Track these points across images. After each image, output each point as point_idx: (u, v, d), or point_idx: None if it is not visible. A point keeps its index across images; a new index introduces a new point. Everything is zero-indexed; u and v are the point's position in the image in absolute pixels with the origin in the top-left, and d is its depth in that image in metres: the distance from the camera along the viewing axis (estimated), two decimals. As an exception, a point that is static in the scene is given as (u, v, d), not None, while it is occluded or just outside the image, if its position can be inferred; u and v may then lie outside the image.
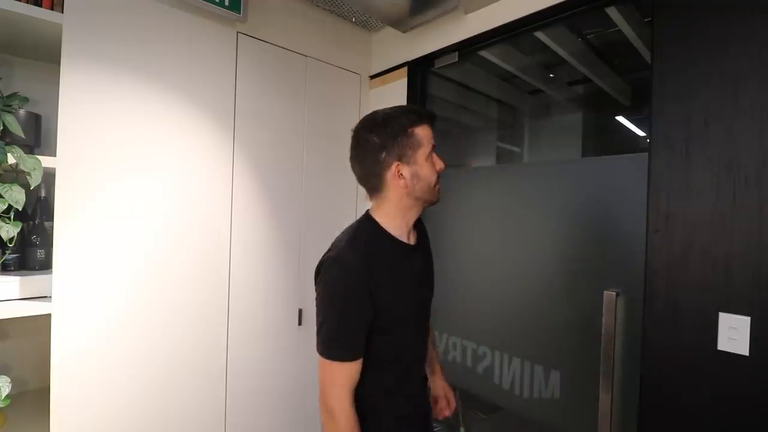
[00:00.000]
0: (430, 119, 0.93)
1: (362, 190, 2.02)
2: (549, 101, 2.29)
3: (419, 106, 0.94)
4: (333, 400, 0.86)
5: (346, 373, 0.86)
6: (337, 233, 0.97)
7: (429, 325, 1.12)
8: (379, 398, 0.94)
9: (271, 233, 1.75)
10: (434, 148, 0.93)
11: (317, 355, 0.89)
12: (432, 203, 0.97)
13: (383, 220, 0.94)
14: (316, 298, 0.89)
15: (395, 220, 0.94)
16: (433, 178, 0.93)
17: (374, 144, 0.89)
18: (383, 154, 0.89)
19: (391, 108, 0.93)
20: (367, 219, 0.95)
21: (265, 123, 1.72)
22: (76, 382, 1.23)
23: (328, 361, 0.86)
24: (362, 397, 0.90)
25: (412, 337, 0.99)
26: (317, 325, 0.89)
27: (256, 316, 1.69)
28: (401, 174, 0.90)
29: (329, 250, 0.92)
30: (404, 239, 0.96)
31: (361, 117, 0.93)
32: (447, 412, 1.20)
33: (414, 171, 0.90)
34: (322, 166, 1.93)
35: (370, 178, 0.93)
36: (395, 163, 0.89)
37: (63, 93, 1.20)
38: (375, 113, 0.93)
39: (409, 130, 0.89)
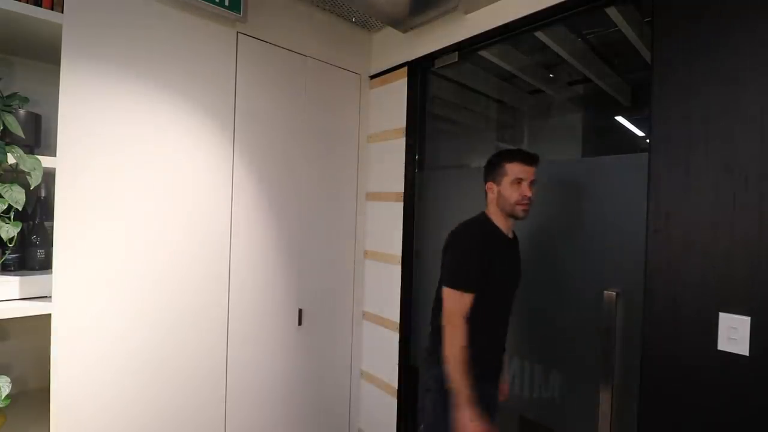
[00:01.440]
0: (523, 160, 1.29)
1: (362, 191, 2.07)
2: (549, 101, 2.29)
3: (522, 150, 1.33)
4: None
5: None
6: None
7: None
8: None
9: (271, 233, 1.75)
10: (523, 180, 1.28)
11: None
12: (515, 217, 1.32)
13: (491, 216, 1.35)
14: (448, 254, 1.32)
15: (496, 218, 1.35)
16: (513, 198, 1.29)
17: (484, 171, 1.39)
18: (486, 177, 1.38)
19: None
20: (482, 214, 1.38)
21: (266, 123, 1.72)
22: (76, 382, 1.23)
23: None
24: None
25: (500, 307, 1.35)
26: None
27: (256, 316, 1.69)
28: (492, 190, 1.34)
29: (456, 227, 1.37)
30: (504, 231, 1.34)
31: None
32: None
33: (500, 191, 1.32)
34: (322, 165, 1.93)
35: (485, 192, 1.39)
36: (489, 183, 1.36)
37: (63, 93, 1.20)
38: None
39: (502, 163, 1.32)
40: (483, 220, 1.36)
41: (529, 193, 1.28)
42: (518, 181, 1.28)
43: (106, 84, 1.29)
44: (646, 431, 1.15)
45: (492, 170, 1.35)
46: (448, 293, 1.27)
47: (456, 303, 1.25)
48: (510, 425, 1.70)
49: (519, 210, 1.29)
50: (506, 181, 1.30)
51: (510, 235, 1.37)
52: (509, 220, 1.34)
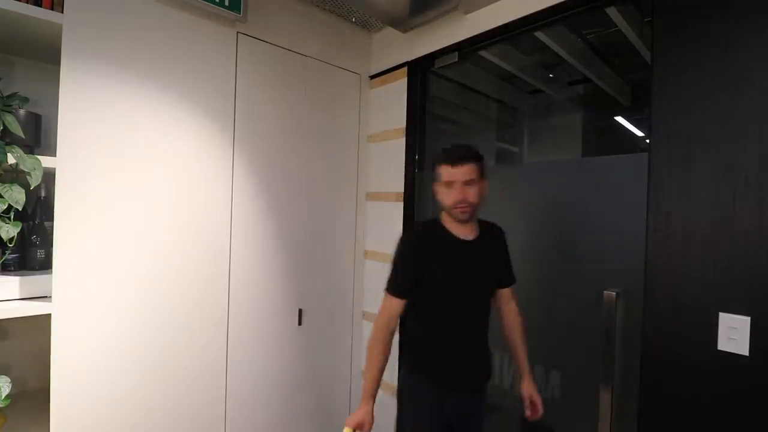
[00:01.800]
0: (447, 161, 1.22)
1: (362, 191, 2.07)
2: (549, 101, 2.29)
3: (454, 150, 1.24)
4: None
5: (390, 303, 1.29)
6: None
7: (513, 320, 1.38)
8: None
9: (271, 233, 1.75)
10: (453, 183, 1.21)
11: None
12: (454, 218, 1.26)
13: (444, 219, 1.31)
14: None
15: (448, 221, 1.29)
16: (447, 203, 1.23)
17: None
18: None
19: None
20: (436, 217, 1.33)
21: (265, 123, 1.72)
22: (76, 382, 1.23)
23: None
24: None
25: (456, 310, 1.27)
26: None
27: (255, 316, 1.69)
28: (436, 193, 1.28)
29: None
30: (457, 234, 1.27)
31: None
32: (528, 413, 1.34)
33: (439, 194, 1.26)
34: (322, 166, 1.93)
35: None
36: (434, 185, 1.29)
37: (63, 93, 1.20)
38: None
39: (435, 166, 1.26)
40: (433, 223, 1.32)
41: (459, 197, 1.20)
42: (448, 184, 1.22)
43: (106, 84, 1.28)
44: (646, 431, 1.15)
45: (433, 173, 1.30)
46: (385, 295, 1.30)
47: (384, 305, 1.27)
48: (510, 425, 1.70)
49: (457, 213, 1.23)
50: (440, 185, 1.24)
51: (469, 237, 1.28)
52: (466, 222, 1.27)
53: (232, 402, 1.62)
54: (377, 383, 1.26)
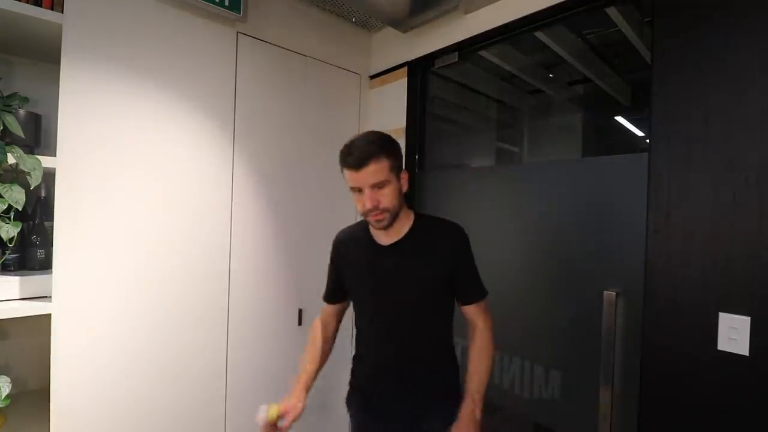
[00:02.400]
0: (354, 164, 1.00)
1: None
2: (549, 101, 2.29)
3: (354, 148, 1.01)
4: None
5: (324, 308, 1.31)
6: (336, 233, 1.27)
7: (474, 343, 1.12)
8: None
9: (271, 233, 1.75)
10: (360, 189, 1.02)
11: None
12: (372, 226, 1.10)
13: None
14: None
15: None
16: (360, 211, 1.05)
17: None
18: None
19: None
20: (363, 219, 1.13)
21: (265, 123, 1.72)
22: (76, 382, 1.23)
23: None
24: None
25: (377, 324, 1.15)
26: None
27: (256, 316, 1.69)
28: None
29: None
30: (377, 238, 1.14)
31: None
32: None
33: (354, 199, 1.07)
34: (322, 166, 1.93)
35: None
36: None
37: (63, 93, 1.20)
38: None
39: (342, 169, 1.04)
40: (357, 226, 1.22)
41: (370, 204, 1.00)
42: (356, 189, 1.02)
43: (106, 84, 1.28)
44: (645, 431, 1.15)
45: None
46: None
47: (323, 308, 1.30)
48: (510, 425, 1.70)
49: (373, 222, 1.06)
50: (351, 190, 1.05)
51: (392, 240, 1.11)
52: (387, 228, 1.09)
53: (232, 402, 1.62)
54: (308, 376, 1.21)
